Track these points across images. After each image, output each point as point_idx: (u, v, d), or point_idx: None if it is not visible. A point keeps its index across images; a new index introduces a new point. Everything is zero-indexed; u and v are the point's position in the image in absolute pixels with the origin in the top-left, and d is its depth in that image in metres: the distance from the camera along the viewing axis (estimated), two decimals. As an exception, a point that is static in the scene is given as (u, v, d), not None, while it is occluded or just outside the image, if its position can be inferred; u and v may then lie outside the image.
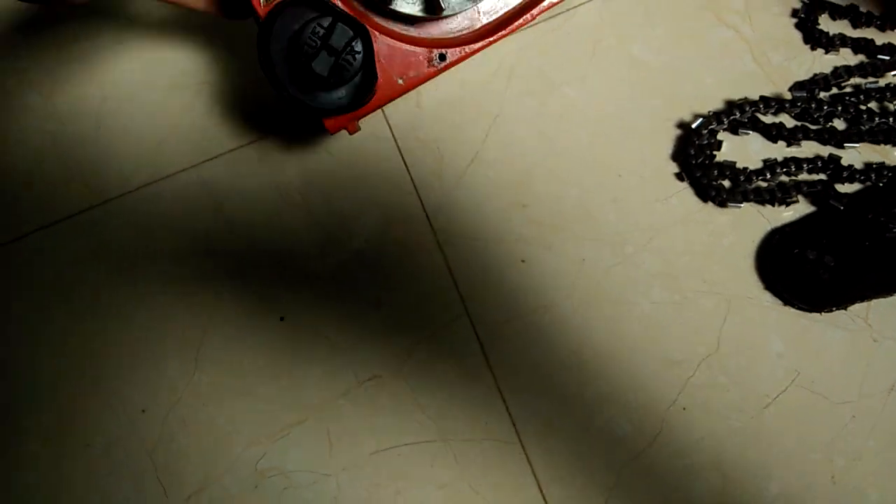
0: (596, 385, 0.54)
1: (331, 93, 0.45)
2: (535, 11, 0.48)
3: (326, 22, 0.44)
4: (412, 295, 0.57)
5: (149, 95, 0.62)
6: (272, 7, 0.45)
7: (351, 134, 0.48)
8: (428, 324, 0.56)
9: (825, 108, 0.59)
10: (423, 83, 0.48)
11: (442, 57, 0.48)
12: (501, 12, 0.50)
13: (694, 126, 0.59)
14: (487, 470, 0.53)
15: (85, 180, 0.60)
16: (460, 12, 0.48)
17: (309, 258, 0.58)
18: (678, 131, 0.60)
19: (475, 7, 0.48)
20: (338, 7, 0.45)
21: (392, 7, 0.47)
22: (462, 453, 0.53)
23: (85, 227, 0.59)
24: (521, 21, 0.48)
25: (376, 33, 0.46)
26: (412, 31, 0.49)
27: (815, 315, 0.55)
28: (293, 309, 0.57)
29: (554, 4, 0.48)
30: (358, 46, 0.44)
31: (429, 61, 0.47)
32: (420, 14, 0.47)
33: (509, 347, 0.56)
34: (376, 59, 0.46)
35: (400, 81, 0.47)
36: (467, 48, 0.48)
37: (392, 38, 0.47)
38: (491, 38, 0.48)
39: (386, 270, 0.58)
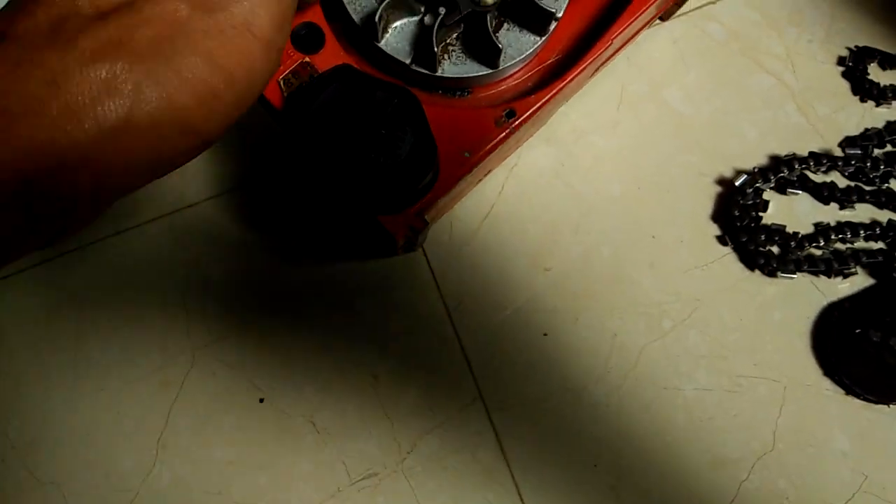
0: (633, 487, 0.46)
1: (378, 184, 0.36)
2: (614, 34, 0.40)
3: (352, 93, 0.36)
4: (416, 373, 0.49)
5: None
6: (292, 90, 0.37)
7: (418, 233, 0.40)
8: (435, 409, 0.48)
9: (881, 167, 0.53)
10: (494, 150, 0.40)
11: (510, 114, 0.40)
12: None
13: (737, 184, 0.52)
14: (509, 592, 0.44)
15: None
16: (519, 62, 0.40)
17: (295, 325, 0.49)
18: (718, 188, 0.53)
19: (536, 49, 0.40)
20: (366, 74, 0.37)
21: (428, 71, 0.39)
22: (478, 571, 0.45)
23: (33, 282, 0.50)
24: (597, 51, 0.40)
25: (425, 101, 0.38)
26: (466, 103, 0.41)
27: (883, 407, 0.48)
28: (275, 388, 0.48)
29: (636, 23, 0.40)
30: (404, 114, 0.35)
31: (496, 121, 0.39)
32: (470, 74, 0.39)
33: (531, 438, 0.47)
34: (436, 140, 0.38)
35: (467, 154, 0.39)
36: (536, 97, 0.40)
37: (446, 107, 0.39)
38: (564, 79, 0.40)
39: (385, 342, 0.49)
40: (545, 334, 0.50)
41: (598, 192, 0.53)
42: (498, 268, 0.51)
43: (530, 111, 0.40)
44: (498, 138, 0.40)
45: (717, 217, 0.53)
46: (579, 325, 0.50)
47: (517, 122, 0.40)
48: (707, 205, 0.53)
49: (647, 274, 0.51)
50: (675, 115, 0.55)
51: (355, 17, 0.39)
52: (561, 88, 0.40)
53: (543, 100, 0.40)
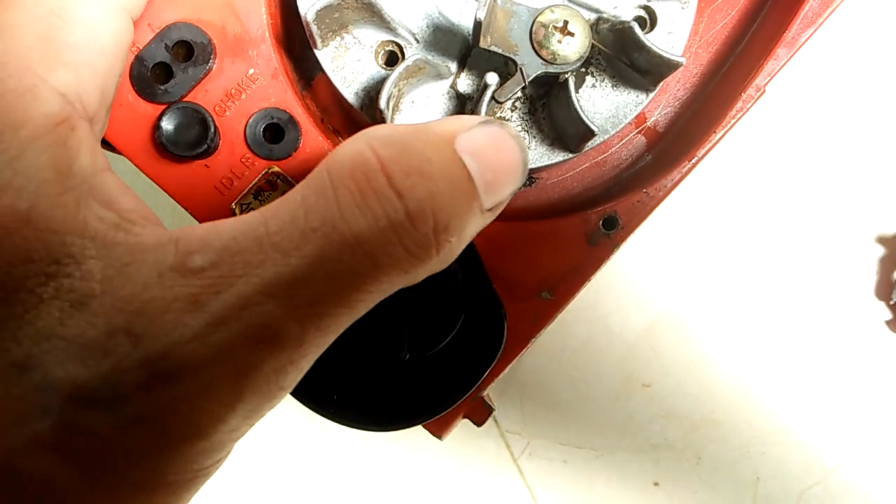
0: None
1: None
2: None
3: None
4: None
5: None
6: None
7: (480, 425, 0.26)
8: None
9: None
10: (589, 280, 0.25)
11: (610, 222, 0.25)
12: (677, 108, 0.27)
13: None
14: None
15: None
16: (613, 134, 0.25)
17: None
18: (882, 250, 0.38)
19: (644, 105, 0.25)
20: None
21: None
22: None
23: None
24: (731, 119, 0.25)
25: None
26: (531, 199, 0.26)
27: None
28: None
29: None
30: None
31: (588, 236, 0.25)
32: (538, 165, 0.25)
33: None
34: (491, 274, 0.23)
35: (546, 295, 0.25)
36: (655, 189, 0.25)
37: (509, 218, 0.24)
38: (693, 159, 0.25)
39: None
40: (656, 484, 0.36)
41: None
42: (579, 389, 0.37)
43: (645, 211, 0.25)
44: (593, 264, 0.25)
45: (882, 292, 0.37)
46: (702, 467, 0.36)
47: (622, 234, 0.25)
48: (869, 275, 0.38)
49: (792, 385, 0.36)
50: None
51: (348, 95, 0.24)
52: (697, 162, 0.25)
53: (665, 188, 0.25)
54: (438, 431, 0.25)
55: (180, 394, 0.16)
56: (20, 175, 0.16)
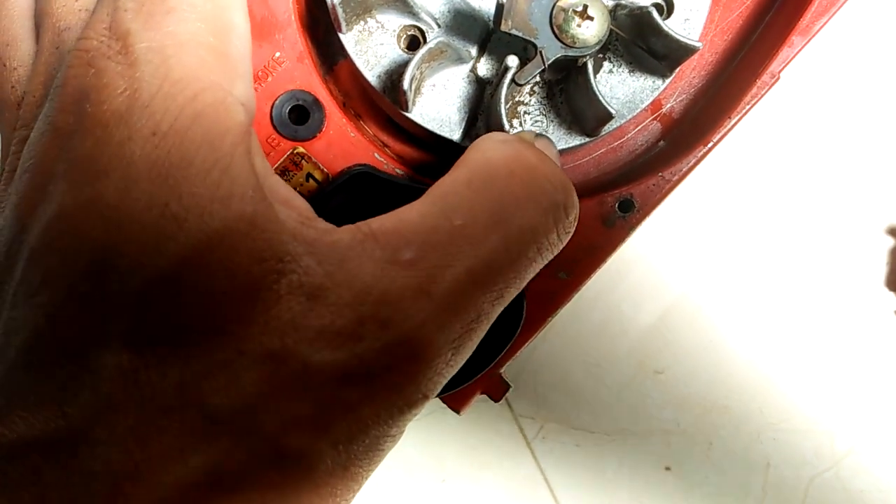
0: None
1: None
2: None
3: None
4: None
5: None
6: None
7: (497, 400, 0.27)
8: None
9: None
10: (605, 261, 0.26)
11: (626, 205, 0.25)
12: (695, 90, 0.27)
13: (918, 232, 0.37)
14: None
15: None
16: (629, 119, 0.26)
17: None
18: (892, 241, 0.38)
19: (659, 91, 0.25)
20: (395, 180, 0.24)
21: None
22: None
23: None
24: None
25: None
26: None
27: None
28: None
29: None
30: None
31: (604, 219, 0.25)
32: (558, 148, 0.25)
33: None
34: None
35: (563, 276, 0.25)
36: (670, 172, 0.25)
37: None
38: (707, 144, 0.25)
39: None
40: (667, 468, 0.36)
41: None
42: (592, 374, 0.37)
43: (660, 194, 0.25)
44: (609, 246, 0.25)
45: (893, 283, 0.38)
46: (714, 452, 0.36)
47: (637, 217, 0.25)
48: (879, 266, 0.38)
49: (803, 372, 0.37)
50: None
51: (371, 79, 0.25)
52: (712, 147, 0.25)
53: (681, 172, 0.25)
54: (457, 406, 0.25)
55: (421, 368, 0.18)
56: (237, 183, 0.17)
